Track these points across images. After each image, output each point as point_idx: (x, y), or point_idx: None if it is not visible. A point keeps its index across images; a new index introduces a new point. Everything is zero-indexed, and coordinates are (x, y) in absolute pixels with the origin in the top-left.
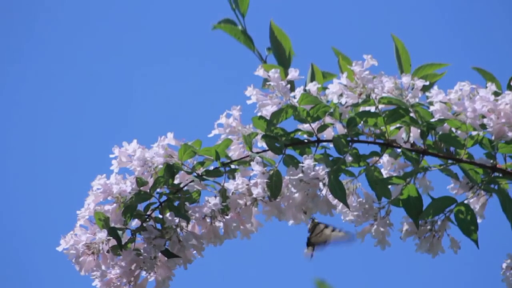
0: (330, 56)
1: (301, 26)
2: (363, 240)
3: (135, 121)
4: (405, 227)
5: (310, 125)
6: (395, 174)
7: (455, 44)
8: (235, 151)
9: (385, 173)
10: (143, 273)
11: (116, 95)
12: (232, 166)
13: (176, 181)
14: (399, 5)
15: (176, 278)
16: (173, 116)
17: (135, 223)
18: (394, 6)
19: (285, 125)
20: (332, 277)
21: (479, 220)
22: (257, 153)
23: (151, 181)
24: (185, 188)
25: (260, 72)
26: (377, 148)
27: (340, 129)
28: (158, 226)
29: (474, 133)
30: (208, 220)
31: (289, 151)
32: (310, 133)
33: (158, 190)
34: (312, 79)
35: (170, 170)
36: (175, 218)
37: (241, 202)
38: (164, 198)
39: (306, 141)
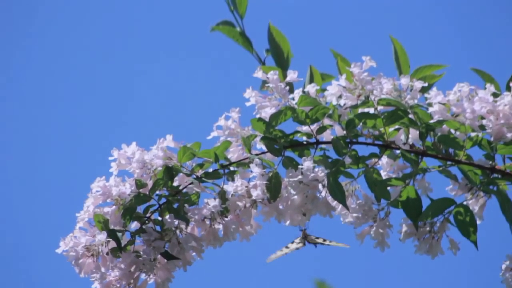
0: (328, 57)
1: (300, 27)
2: (362, 241)
3: (134, 124)
4: (404, 228)
5: (309, 127)
6: (394, 176)
7: (453, 45)
8: (234, 153)
9: (384, 174)
10: (143, 275)
11: (115, 97)
12: (231, 168)
13: (175, 183)
14: (397, 6)
15: (176, 280)
16: (172, 118)
17: (134, 225)
18: (393, 8)
19: (284, 127)
20: (332, 277)
21: (478, 222)
22: (256, 155)
23: (150, 183)
24: (185, 190)
25: (258, 74)
26: (376, 150)
27: (339, 130)
28: (158, 228)
29: (473, 134)
30: (207, 222)
31: (288, 153)
32: (309, 135)
33: (157, 192)
34: (311, 80)
35: (169, 172)
36: (175, 220)
37: (240, 204)
38: (163, 200)
39: (305, 143)
